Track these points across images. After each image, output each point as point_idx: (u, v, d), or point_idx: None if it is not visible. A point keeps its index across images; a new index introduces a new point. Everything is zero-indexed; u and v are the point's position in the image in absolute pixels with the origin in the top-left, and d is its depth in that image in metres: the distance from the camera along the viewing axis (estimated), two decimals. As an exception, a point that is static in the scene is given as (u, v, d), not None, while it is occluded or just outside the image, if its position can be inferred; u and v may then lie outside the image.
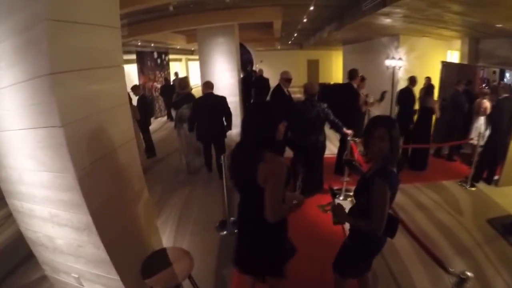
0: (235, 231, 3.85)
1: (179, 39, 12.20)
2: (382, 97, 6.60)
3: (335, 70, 22.71)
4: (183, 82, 6.66)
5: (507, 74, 10.59)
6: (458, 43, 9.19)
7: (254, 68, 12.00)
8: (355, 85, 6.17)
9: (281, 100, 6.01)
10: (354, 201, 2.46)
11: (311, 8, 7.11)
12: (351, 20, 7.89)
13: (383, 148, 2.12)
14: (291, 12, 8.14)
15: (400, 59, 9.98)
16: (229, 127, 6.15)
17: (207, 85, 6.04)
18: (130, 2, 5.36)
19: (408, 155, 6.97)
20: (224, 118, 6.06)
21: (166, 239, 4.28)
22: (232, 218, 4.50)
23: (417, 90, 7.29)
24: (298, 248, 2.48)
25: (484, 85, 8.51)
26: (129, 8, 5.47)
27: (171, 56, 16.14)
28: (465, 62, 8.70)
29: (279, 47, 20.36)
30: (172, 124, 8.29)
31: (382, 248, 2.43)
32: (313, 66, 23.93)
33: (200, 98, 6.04)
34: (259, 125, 2.14)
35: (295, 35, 13.97)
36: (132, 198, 2.83)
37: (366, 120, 6.43)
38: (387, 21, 7.30)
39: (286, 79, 6.30)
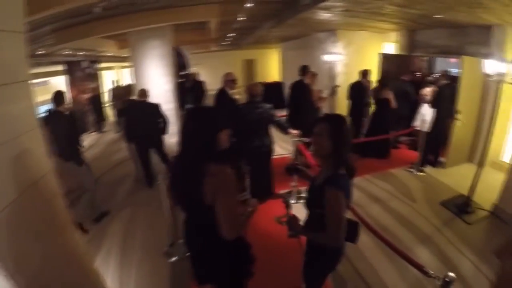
0: (185, 255, 3.54)
1: (110, 45, 11.30)
2: (333, 92, 6.59)
3: (272, 68, 22.66)
4: (128, 90, 6.91)
5: (437, 63, 11.09)
6: (394, 35, 9.36)
7: (188, 72, 11.49)
8: (306, 81, 6.15)
9: (225, 104, 5.53)
10: (308, 212, 2.31)
11: (248, 4, 6.74)
12: (290, 16, 7.63)
13: (322, 144, 2.04)
14: (228, 10, 7.70)
15: (338, 53, 9.93)
16: (165, 131, 6.14)
17: (140, 94, 6.04)
18: (47, 3, 4.63)
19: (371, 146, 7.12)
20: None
21: (112, 275, 3.77)
22: (180, 241, 4.02)
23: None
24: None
25: (417, 73, 8.87)
26: (49, 10, 4.75)
27: (102, 65, 15.05)
28: (402, 53, 8.85)
29: (214, 49, 19.83)
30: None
31: (342, 257, 2.32)
32: (249, 66, 23.69)
33: (133, 106, 6.04)
34: (198, 134, 1.92)
35: (232, 34, 13.53)
36: (59, 242, 2.27)
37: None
38: (326, 15, 7.13)
39: (230, 80, 5.86)
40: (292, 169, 2.66)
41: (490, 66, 4.55)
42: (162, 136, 6.18)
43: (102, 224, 4.99)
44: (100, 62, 14.41)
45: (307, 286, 2.54)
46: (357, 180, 5.89)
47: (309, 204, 2.27)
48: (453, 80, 6.76)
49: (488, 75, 4.69)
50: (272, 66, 22.49)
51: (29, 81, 2.12)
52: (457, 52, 7.06)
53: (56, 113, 4.69)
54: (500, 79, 4.50)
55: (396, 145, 7.87)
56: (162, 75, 8.71)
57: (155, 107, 6.02)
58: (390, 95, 7.02)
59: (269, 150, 5.01)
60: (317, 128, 2.07)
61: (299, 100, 6.18)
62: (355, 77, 8.35)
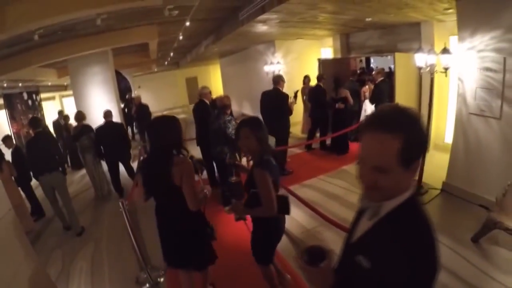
0: (158, 279, 3.78)
1: (49, 73, 10.89)
2: (296, 96, 6.82)
3: (214, 84, 22.76)
4: (81, 114, 6.80)
5: (372, 61, 11.83)
6: (329, 40, 9.82)
7: (132, 95, 11.24)
8: (281, 89, 6.44)
9: (204, 115, 5.99)
10: (247, 194, 2.68)
11: (187, 23, 6.80)
12: (228, 31, 7.79)
13: (250, 145, 2.48)
14: (167, 30, 7.71)
15: (278, 63, 10.25)
16: (129, 147, 6.99)
17: (106, 114, 6.71)
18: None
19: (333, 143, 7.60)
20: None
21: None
22: (149, 267, 3.93)
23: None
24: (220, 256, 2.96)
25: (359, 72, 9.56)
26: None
27: (43, 95, 14.20)
28: (339, 56, 9.31)
29: (156, 69, 19.62)
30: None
31: (283, 229, 2.79)
32: (192, 84, 23.60)
33: (101, 126, 6.60)
34: (166, 136, 2.53)
35: (172, 54, 13.51)
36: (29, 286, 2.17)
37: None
38: (263, 28, 7.36)
39: (207, 93, 6.39)
40: (232, 163, 3.07)
41: (421, 59, 4.93)
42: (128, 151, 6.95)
43: (65, 260, 4.77)
44: (40, 92, 13.68)
45: (258, 259, 2.84)
46: (312, 181, 6.21)
47: (246, 187, 2.64)
48: (390, 76, 7.31)
49: (420, 67, 5.06)
50: (214, 81, 22.62)
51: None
52: (389, 50, 7.59)
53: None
54: (431, 70, 4.91)
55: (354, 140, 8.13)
56: (106, 101, 8.43)
57: (121, 126, 7.01)
58: (347, 94, 7.40)
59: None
60: (242, 132, 2.51)
61: (276, 107, 6.38)
62: (296, 84, 8.71)
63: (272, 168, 2.47)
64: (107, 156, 6.68)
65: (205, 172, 5.81)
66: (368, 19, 6.68)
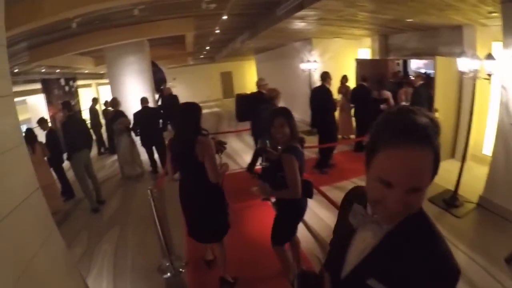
0: (180, 270, 3.77)
1: (86, 61, 11.15)
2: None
3: (249, 80, 22.73)
4: (116, 101, 7.47)
5: (411, 64, 11.38)
6: (367, 40, 9.54)
7: (163, 87, 11.31)
8: (327, 86, 6.47)
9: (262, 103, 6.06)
10: (273, 177, 2.85)
11: (224, 17, 6.79)
12: (265, 27, 7.72)
13: (284, 133, 2.67)
14: (204, 23, 7.73)
15: (314, 61, 10.08)
16: (163, 129, 7.60)
17: (143, 100, 7.11)
18: (24, 19, 4.55)
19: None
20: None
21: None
22: (173, 256, 3.93)
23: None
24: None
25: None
26: (25, 25, 4.68)
27: (79, 82, 14.78)
28: (377, 57, 9.04)
29: (191, 62, 19.81)
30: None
31: (304, 211, 3.00)
32: (227, 78, 23.75)
33: (138, 111, 7.03)
34: (188, 118, 2.95)
35: (208, 48, 13.58)
36: (48, 267, 2.18)
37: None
38: (301, 25, 7.25)
39: (265, 85, 6.89)
40: (262, 149, 3.35)
41: (464, 64, 4.66)
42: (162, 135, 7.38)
43: (90, 242, 4.88)
44: (77, 79, 14.17)
45: (275, 239, 3.02)
46: (344, 184, 5.98)
47: (273, 171, 2.82)
48: (429, 80, 6.99)
49: (462, 73, 4.79)
50: (249, 77, 22.59)
51: (11, 95, 2.06)
52: (429, 53, 7.25)
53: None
54: (474, 76, 4.62)
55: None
56: (141, 91, 8.53)
57: (157, 111, 7.80)
58: (389, 96, 7.38)
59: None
60: (277, 121, 2.68)
61: (323, 103, 6.46)
62: (333, 83, 8.45)
63: (298, 154, 2.69)
64: (143, 139, 7.13)
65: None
66: (408, 20, 6.42)
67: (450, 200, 4.83)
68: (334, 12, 5.90)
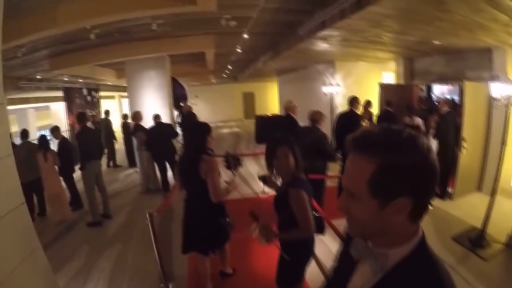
0: None
1: (108, 73, 11.31)
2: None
3: (270, 101, 22.74)
4: (139, 114, 7.48)
5: (434, 90, 11.03)
6: (392, 64, 9.32)
7: (182, 104, 11.32)
8: (356, 111, 6.24)
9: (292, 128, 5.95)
10: (277, 216, 2.59)
11: (245, 36, 6.70)
12: (287, 47, 7.60)
13: (288, 164, 2.41)
14: (224, 41, 7.68)
15: (337, 84, 9.87)
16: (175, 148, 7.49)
17: (156, 117, 7.33)
18: (39, 26, 4.57)
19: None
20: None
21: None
22: (170, 283, 3.68)
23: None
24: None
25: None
26: (40, 33, 4.69)
27: (102, 93, 15.01)
28: (401, 82, 8.77)
29: (214, 81, 19.96)
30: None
31: (313, 249, 2.62)
32: (249, 99, 23.81)
33: (152, 127, 7.21)
34: (195, 137, 3.11)
35: (229, 67, 13.62)
36: (27, 284, 2.01)
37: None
38: (323, 46, 7.07)
39: (293, 107, 6.34)
40: (262, 178, 3.05)
41: (496, 89, 4.34)
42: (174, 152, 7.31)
43: (90, 257, 4.71)
44: (99, 90, 14.38)
45: (284, 283, 2.66)
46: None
47: (277, 209, 2.54)
48: (456, 107, 6.64)
49: (494, 99, 4.47)
50: (271, 98, 22.59)
51: (4, 103, 1.93)
52: (456, 78, 6.97)
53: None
54: (508, 102, 4.28)
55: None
56: (159, 106, 8.54)
57: (170, 126, 7.80)
58: (420, 122, 7.03)
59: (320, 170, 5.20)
60: (280, 152, 2.42)
61: (351, 128, 6.07)
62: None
63: (307, 187, 2.42)
64: (155, 154, 7.16)
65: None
66: (435, 42, 6.14)
67: (477, 240, 4.33)
68: (358, 33, 5.69)
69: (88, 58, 7.55)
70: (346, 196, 0.91)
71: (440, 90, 10.63)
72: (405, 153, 0.81)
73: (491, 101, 5.62)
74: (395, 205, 0.83)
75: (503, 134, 4.47)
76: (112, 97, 18.03)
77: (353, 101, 6.19)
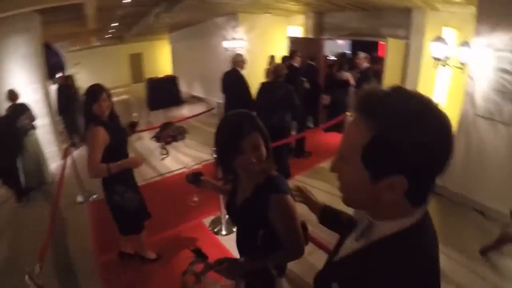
0: None
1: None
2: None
3: (161, 62, 21.01)
4: (14, 92, 5.77)
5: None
6: (299, 18, 8.85)
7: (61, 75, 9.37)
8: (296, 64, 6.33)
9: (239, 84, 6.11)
10: (242, 240, 1.87)
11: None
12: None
13: (262, 158, 1.60)
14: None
15: (241, 39, 9.01)
16: None
17: (11, 94, 5.72)
18: None
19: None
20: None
21: None
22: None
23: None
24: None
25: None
26: None
27: None
28: (310, 36, 8.36)
29: (96, 44, 17.41)
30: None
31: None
32: (136, 61, 21.55)
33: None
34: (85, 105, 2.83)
35: (115, 25, 11.68)
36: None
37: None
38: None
39: (240, 61, 6.26)
40: (196, 176, 1.93)
41: (437, 49, 4.75)
42: None
43: None
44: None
45: None
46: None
47: (241, 222, 1.85)
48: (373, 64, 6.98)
49: (436, 58, 4.85)
50: (161, 59, 20.90)
51: None
52: (371, 34, 6.92)
53: None
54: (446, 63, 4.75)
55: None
56: (29, 82, 6.72)
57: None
58: (348, 76, 7.15)
59: (287, 127, 5.34)
60: (250, 141, 1.56)
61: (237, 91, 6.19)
62: (260, 64, 7.97)
63: (288, 188, 1.67)
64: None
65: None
66: None
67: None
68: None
69: None
70: (339, 159, 0.88)
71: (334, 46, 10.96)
72: (408, 129, 0.73)
73: (406, 58, 6.03)
74: (388, 181, 0.78)
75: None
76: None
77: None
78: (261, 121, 1.65)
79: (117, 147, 2.87)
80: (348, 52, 10.60)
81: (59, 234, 4.43)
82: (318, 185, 5.24)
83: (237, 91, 6.05)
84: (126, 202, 2.97)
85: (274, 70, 5.18)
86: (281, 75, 5.02)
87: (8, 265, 4.00)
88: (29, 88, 6.64)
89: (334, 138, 7.19)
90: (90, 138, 2.68)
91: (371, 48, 9.16)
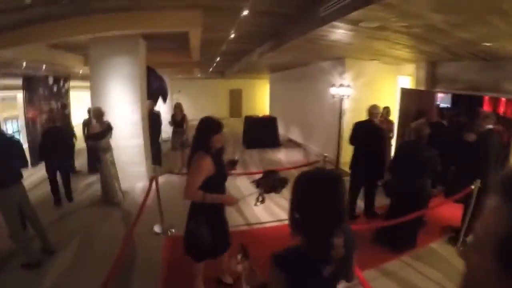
0: None
1: (73, 59, 9.01)
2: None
3: (259, 101, 21.10)
4: (100, 111, 5.96)
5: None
6: (409, 67, 7.89)
7: (167, 100, 9.64)
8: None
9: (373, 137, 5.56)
10: None
11: (245, 13, 4.94)
12: (297, 35, 5.85)
13: None
14: (215, 22, 5.87)
15: (348, 86, 8.18)
16: None
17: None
18: None
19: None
20: None
21: None
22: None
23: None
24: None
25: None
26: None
27: (73, 83, 12.75)
28: (421, 88, 7.31)
29: (198, 75, 18.02)
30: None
31: None
32: (235, 96, 22.06)
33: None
34: (197, 135, 2.88)
35: (218, 59, 11.73)
36: None
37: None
38: (344, 35, 5.42)
39: (377, 114, 5.70)
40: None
41: None
42: None
43: None
44: (69, 80, 12.21)
45: None
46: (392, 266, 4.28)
47: None
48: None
49: None
50: (260, 97, 21.02)
51: None
52: (491, 88, 5.79)
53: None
54: None
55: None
56: (128, 102, 6.78)
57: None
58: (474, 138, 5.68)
59: (428, 195, 4.65)
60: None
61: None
62: (364, 115, 6.87)
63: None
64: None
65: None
66: (486, 44, 4.74)
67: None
68: (409, 18, 4.00)
69: (33, 35, 5.47)
70: (473, 244, 0.77)
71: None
72: None
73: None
74: None
75: None
76: (86, 87, 15.70)
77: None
78: (398, 185, 1.52)
79: (217, 180, 2.89)
80: (448, 105, 9.02)
81: (128, 260, 4.19)
82: (427, 272, 4.06)
83: (372, 145, 5.51)
84: (198, 233, 2.91)
85: (416, 129, 4.63)
86: (424, 135, 4.45)
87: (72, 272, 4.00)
88: (129, 107, 6.79)
89: (457, 211, 5.41)
90: (196, 164, 2.72)
91: (471, 102, 7.22)
